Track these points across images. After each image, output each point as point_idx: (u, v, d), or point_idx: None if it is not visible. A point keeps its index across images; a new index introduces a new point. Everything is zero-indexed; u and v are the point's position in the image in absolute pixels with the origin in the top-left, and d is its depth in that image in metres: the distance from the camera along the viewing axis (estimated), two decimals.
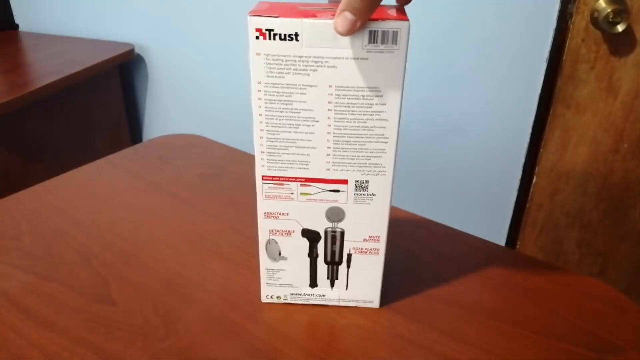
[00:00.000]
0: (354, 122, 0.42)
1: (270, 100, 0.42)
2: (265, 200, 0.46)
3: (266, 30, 0.39)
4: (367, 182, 0.45)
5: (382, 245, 0.47)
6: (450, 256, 0.57)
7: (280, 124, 0.42)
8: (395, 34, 0.38)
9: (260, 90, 0.41)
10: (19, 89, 1.12)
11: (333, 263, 0.48)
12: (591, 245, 1.06)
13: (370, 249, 0.48)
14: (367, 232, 0.47)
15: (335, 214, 0.46)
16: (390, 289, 0.52)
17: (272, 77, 0.41)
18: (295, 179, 0.45)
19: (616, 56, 0.90)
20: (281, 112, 0.42)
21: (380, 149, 0.43)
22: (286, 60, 0.40)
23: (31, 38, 1.48)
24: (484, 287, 0.53)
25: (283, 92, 0.41)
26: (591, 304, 0.51)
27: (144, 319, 0.48)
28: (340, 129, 0.42)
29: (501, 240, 1.16)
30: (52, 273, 0.54)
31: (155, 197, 0.67)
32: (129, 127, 1.50)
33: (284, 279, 0.50)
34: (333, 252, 0.48)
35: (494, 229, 1.16)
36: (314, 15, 0.39)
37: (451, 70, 1.05)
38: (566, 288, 0.52)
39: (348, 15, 0.36)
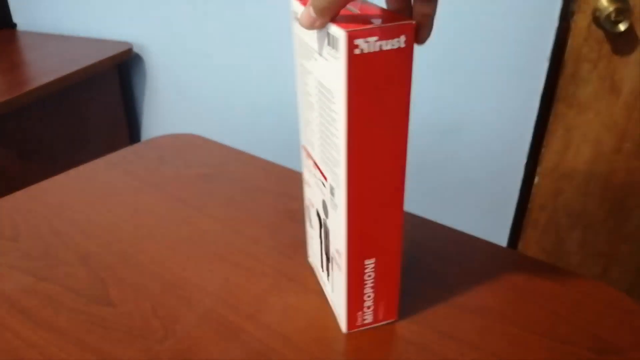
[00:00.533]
0: (326, 122, 0.40)
1: (300, 76, 0.45)
2: (304, 168, 0.50)
3: (295, 13, 0.42)
4: (334, 189, 0.41)
5: (343, 264, 0.43)
6: (451, 257, 0.57)
7: (302, 101, 0.45)
8: (336, 40, 0.35)
9: (297, 66, 0.46)
10: (17, 88, 1.12)
11: (327, 257, 0.47)
12: (593, 246, 1.06)
13: (337, 263, 0.44)
14: (336, 242, 0.44)
15: (325, 209, 0.45)
16: None
17: (299, 56, 0.44)
18: (311, 158, 0.46)
19: (618, 55, 0.90)
20: (302, 90, 0.45)
21: (337, 160, 0.39)
22: (302, 45, 0.42)
23: (29, 37, 1.48)
24: (485, 288, 0.52)
25: (302, 73, 0.44)
26: (593, 305, 0.50)
27: (142, 320, 0.48)
28: (323, 125, 0.41)
29: (503, 241, 1.16)
30: (50, 274, 0.54)
31: (154, 197, 0.67)
32: (127, 127, 1.50)
33: (313, 247, 0.52)
34: (327, 246, 0.47)
35: (496, 230, 1.16)
36: None
37: (452, 69, 1.05)
38: (568, 289, 0.52)
39: (311, 12, 0.36)
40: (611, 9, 0.85)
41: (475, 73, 1.04)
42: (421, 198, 1.20)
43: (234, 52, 1.29)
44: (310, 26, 0.37)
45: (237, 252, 0.57)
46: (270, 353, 0.45)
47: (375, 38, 0.35)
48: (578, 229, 1.05)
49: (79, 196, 0.67)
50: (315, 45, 0.39)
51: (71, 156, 1.31)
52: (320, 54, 0.38)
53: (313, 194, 0.48)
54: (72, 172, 0.72)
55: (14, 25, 1.56)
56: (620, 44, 0.89)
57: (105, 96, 1.39)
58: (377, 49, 0.35)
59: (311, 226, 0.51)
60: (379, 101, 0.37)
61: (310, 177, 0.48)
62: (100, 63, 1.30)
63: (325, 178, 0.43)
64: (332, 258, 0.46)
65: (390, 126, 0.38)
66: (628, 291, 1.08)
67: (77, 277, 0.53)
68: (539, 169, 1.03)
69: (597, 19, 0.88)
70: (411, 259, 0.56)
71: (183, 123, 1.47)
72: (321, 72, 0.39)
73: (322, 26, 0.36)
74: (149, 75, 1.45)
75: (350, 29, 0.34)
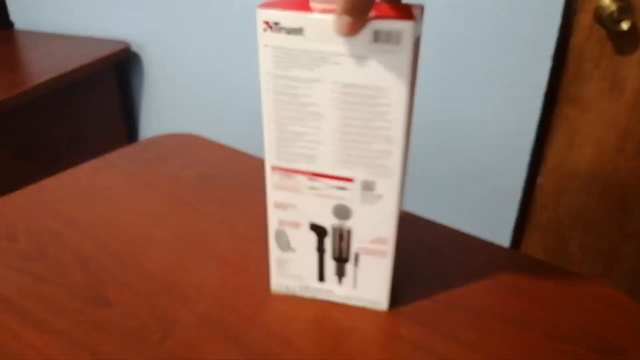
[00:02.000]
0: (360, 120, 0.41)
1: (278, 92, 0.41)
2: (275, 191, 0.46)
3: (273, 23, 0.39)
4: (373, 182, 0.43)
5: (389, 248, 0.46)
6: (454, 258, 0.56)
7: (287, 116, 0.42)
8: (399, 34, 0.37)
9: (268, 82, 0.41)
10: (14, 87, 1.11)
11: (340, 260, 0.48)
12: (595, 246, 1.06)
13: (378, 251, 0.47)
14: (374, 233, 0.46)
15: (342, 212, 0.45)
16: (393, 292, 0.51)
17: (280, 69, 0.40)
18: (302, 172, 0.44)
19: (621, 54, 0.90)
20: (288, 104, 0.42)
21: (387, 151, 0.42)
22: (291, 54, 0.40)
23: (27, 36, 1.48)
24: (487, 289, 0.52)
25: (289, 85, 0.41)
26: (594, 305, 0.50)
27: (140, 322, 0.48)
28: (346, 127, 0.41)
29: (505, 241, 1.16)
30: (48, 275, 0.53)
31: (152, 198, 0.66)
32: (125, 126, 1.49)
33: (293, 270, 0.49)
34: (340, 249, 0.47)
35: (498, 229, 1.16)
36: (322, 10, 0.38)
37: (455, 68, 1.05)
38: (569, 289, 0.52)
39: (346, 19, 0.36)
40: (613, 7, 0.85)
41: (477, 72, 1.03)
42: (423, 197, 1.20)
43: (233, 51, 1.28)
44: (354, 31, 0.37)
45: (235, 252, 0.57)
46: (269, 355, 0.45)
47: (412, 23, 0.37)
48: (580, 228, 1.05)
49: (76, 196, 0.66)
50: (337, 48, 0.38)
51: (69, 156, 1.31)
52: (357, 54, 0.38)
53: (306, 208, 0.46)
54: (70, 172, 0.72)
55: (11, 25, 1.56)
56: (623, 43, 0.89)
57: (102, 95, 1.39)
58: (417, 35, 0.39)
59: (292, 249, 0.48)
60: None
61: (293, 197, 0.46)
62: (98, 62, 1.29)
63: (348, 180, 0.44)
64: (357, 254, 0.47)
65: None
66: (629, 291, 1.08)
67: (75, 278, 0.53)
68: (541, 169, 1.03)
69: (600, 18, 0.87)
70: (413, 260, 0.56)
71: (181, 122, 1.46)
72: (350, 72, 0.39)
73: (362, 27, 0.37)
74: (146, 74, 1.45)
75: (409, 19, 0.37)
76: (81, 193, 0.67)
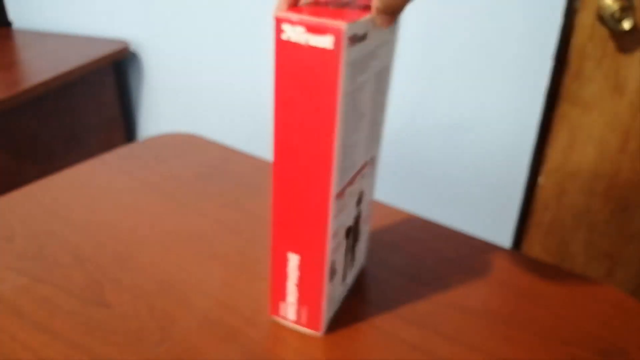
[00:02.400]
0: (376, 102, 0.43)
1: (348, 110, 0.38)
2: (335, 219, 0.41)
3: (354, 36, 0.35)
4: (375, 154, 0.47)
5: (371, 206, 0.51)
6: (454, 259, 0.56)
7: (349, 131, 0.39)
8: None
9: (347, 104, 0.37)
10: (12, 87, 1.11)
11: (354, 245, 0.49)
12: (598, 247, 1.06)
13: (368, 214, 0.51)
14: (368, 199, 0.49)
15: (360, 198, 0.47)
16: (393, 293, 0.51)
17: (351, 84, 0.37)
18: (348, 183, 0.42)
19: (623, 54, 0.89)
20: (351, 117, 0.39)
21: (382, 119, 0.46)
22: (358, 63, 0.37)
23: (25, 35, 1.47)
24: (489, 290, 0.52)
25: (354, 97, 0.38)
26: (597, 307, 0.50)
27: (139, 323, 0.47)
28: (373, 115, 0.43)
29: (506, 242, 1.16)
30: (46, 275, 0.53)
31: (150, 198, 0.66)
32: (123, 126, 1.49)
33: (335, 294, 0.47)
34: (356, 234, 0.48)
35: (499, 230, 1.15)
36: (347, 10, 0.38)
37: (456, 68, 1.05)
38: (572, 291, 0.52)
39: (385, 17, 0.38)
40: (615, 7, 0.85)
41: (478, 72, 1.03)
42: (424, 197, 1.20)
43: (232, 50, 1.28)
44: (391, 24, 0.39)
45: (235, 253, 0.56)
46: (269, 356, 0.44)
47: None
48: (582, 229, 1.05)
49: (74, 196, 0.66)
50: (379, 40, 0.40)
51: (67, 156, 1.30)
52: (389, 40, 0.42)
53: (346, 218, 0.44)
54: (68, 172, 0.71)
55: (9, 24, 1.55)
56: (625, 42, 0.89)
57: (101, 95, 1.38)
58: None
59: (335, 272, 0.45)
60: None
61: (341, 216, 0.43)
62: (97, 61, 1.29)
63: (367, 164, 0.46)
64: (360, 231, 0.50)
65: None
66: (633, 292, 1.07)
67: (73, 278, 0.52)
68: (542, 169, 1.03)
69: (601, 17, 0.87)
70: (413, 261, 0.55)
71: (180, 122, 1.46)
72: (383, 59, 0.42)
73: (395, 19, 0.39)
74: (145, 73, 1.44)
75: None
76: (79, 193, 0.66)
